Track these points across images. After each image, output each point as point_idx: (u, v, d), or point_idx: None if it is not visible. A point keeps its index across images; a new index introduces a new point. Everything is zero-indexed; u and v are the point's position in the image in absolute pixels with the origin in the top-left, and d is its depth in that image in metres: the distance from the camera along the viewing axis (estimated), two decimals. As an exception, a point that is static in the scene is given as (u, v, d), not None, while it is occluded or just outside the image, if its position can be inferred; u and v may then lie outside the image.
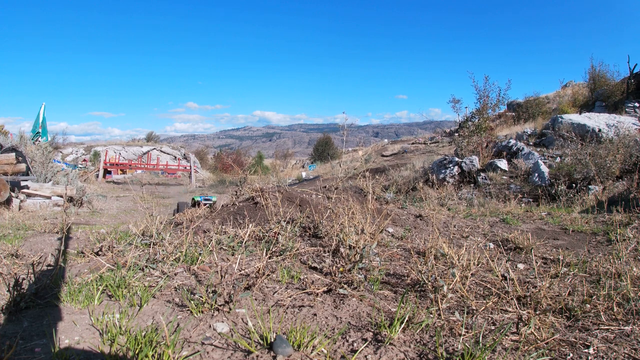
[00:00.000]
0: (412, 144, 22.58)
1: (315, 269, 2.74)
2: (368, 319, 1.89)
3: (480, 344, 1.51)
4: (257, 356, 1.49)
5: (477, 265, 2.69)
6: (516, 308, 1.91)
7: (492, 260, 2.55)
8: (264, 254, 2.70)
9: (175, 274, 2.48)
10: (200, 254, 2.76)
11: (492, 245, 3.94)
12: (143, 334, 1.51)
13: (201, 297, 1.94)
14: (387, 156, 19.66)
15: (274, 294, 2.21)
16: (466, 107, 13.39)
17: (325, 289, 2.23)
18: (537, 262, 3.04)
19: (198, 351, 1.53)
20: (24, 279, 2.05)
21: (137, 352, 1.43)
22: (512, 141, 11.53)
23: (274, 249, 2.95)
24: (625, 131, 9.81)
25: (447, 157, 11.62)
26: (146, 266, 2.53)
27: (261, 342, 1.57)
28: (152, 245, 2.91)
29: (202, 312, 1.91)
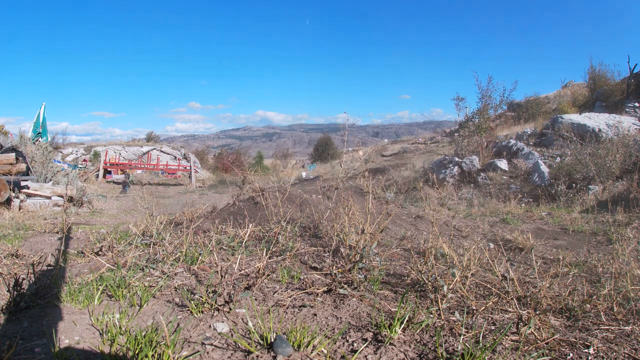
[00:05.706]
0: (412, 144, 22.57)
1: (315, 269, 2.74)
2: (368, 319, 1.89)
3: (481, 344, 1.51)
4: (257, 356, 1.49)
5: (477, 265, 2.69)
6: (516, 308, 1.90)
7: (492, 260, 2.55)
8: (264, 254, 2.70)
9: (175, 274, 2.48)
10: (200, 254, 2.76)
11: (492, 245, 3.94)
12: (143, 334, 1.51)
13: (201, 297, 1.94)
14: (387, 156, 19.65)
15: (274, 294, 2.21)
16: (467, 107, 13.41)
17: (325, 289, 2.23)
18: (537, 262, 3.03)
19: (198, 351, 1.53)
20: (24, 279, 2.05)
21: (137, 352, 1.43)
22: (512, 141, 11.53)
23: (274, 249, 2.95)
24: (625, 131, 9.81)
25: (447, 157, 11.62)
26: (146, 266, 2.54)
27: (261, 342, 1.57)
28: (152, 245, 2.91)
29: (202, 312, 1.91)
